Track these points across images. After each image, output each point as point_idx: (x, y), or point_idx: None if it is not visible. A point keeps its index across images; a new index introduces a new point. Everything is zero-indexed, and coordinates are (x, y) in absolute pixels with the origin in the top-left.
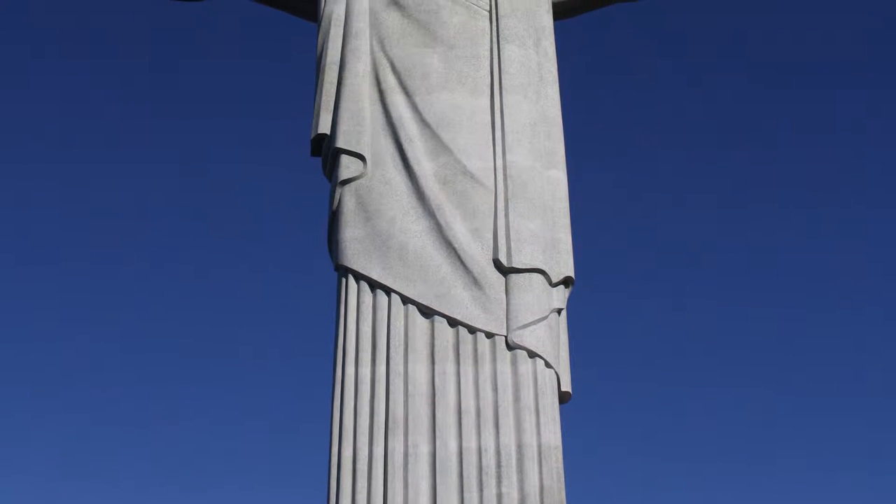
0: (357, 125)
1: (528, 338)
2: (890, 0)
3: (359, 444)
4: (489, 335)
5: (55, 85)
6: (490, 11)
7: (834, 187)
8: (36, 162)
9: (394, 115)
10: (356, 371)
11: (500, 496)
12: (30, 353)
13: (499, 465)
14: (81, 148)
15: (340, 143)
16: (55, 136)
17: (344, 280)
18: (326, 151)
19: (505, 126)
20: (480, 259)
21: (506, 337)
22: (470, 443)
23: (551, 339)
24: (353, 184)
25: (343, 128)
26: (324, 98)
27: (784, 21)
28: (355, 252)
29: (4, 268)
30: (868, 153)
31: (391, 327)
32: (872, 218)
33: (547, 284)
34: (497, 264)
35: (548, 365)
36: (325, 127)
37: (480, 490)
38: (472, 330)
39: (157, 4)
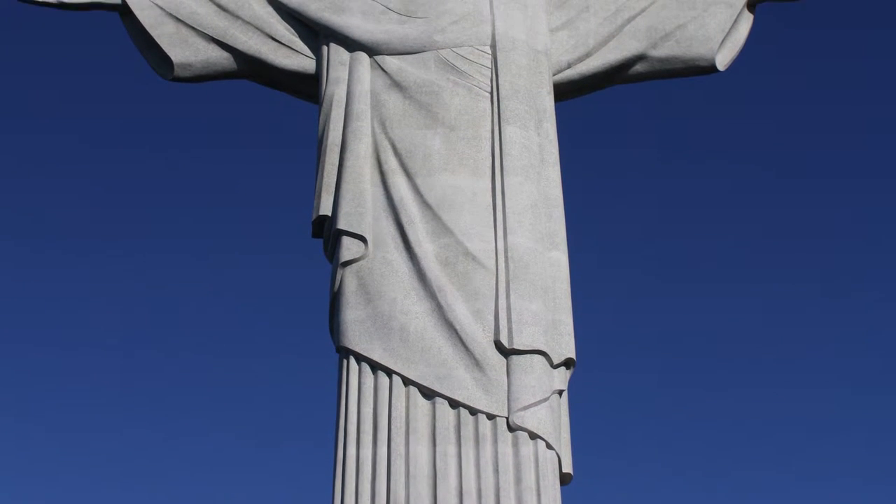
0: (358, 207)
1: (529, 419)
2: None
3: None
4: (490, 416)
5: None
6: (491, 93)
7: (835, 276)
8: None
9: (395, 196)
10: (357, 452)
11: None
12: None
13: None
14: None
15: (342, 224)
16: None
17: (345, 361)
18: (328, 233)
19: (506, 207)
20: (482, 340)
21: (507, 418)
22: None
23: (552, 420)
24: (354, 265)
25: (344, 209)
26: (325, 179)
27: (787, 108)
28: (356, 333)
29: None
30: (867, 251)
31: (392, 409)
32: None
33: (548, 366)
34: (498, 345)
35: (549, 446)
36: (326, 208)
37: None
38: (474, 411)
39: (156, 84)
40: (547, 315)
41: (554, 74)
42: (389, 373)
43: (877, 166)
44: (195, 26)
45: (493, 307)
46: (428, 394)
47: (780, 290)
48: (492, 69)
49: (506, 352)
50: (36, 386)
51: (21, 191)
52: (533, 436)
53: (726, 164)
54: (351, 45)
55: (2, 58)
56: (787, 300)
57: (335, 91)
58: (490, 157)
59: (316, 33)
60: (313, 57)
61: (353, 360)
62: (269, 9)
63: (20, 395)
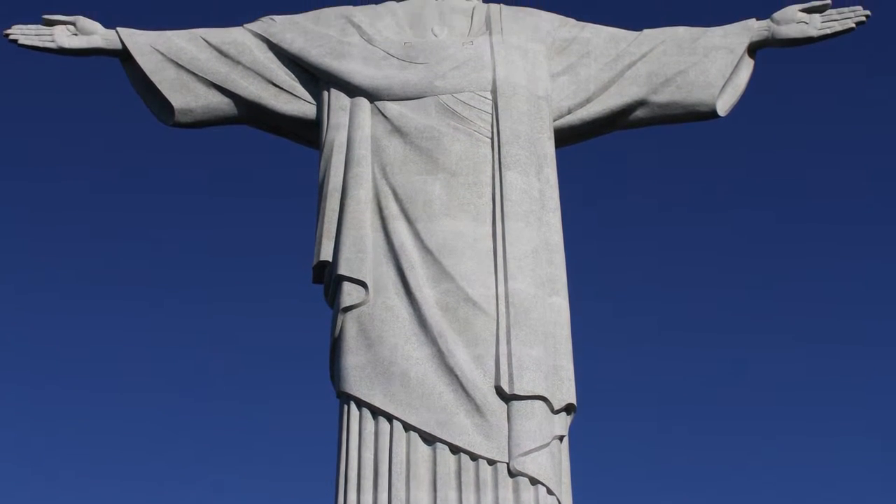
0: (359, 252)
1: (530, 465)
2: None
3: None
4: (491, 462)
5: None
6: (492, 138)
7: (844, 325)
8: None
9: (396, 242)
10: (358, 498)
11: None
12: None
13: None
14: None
15: (342, 270)
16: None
17: (346, 407)
18: (328, 279)
19: (507, 253)
20: (482, 386)
21: (508, 464)
22: None
23: (553, 466)
24: (355, 311)
25: (345, 255)
26: (326, 225)
27: (788, 154)
28: (357, 379)
29: None
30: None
31: (393, 454)
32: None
33: (549, 411)
34: (499, 391)
35: (550, 492)
36: (326, 254)
37: None
38: (475, 457)
39: (155, 130)
40: (548, 360)
41: (555, 120)
42: (390, 418)
43: (882, 214)
44: (196, 72)
45: (493, 353)
46: (429, 439)
47: (782, 340)
48: (492, 115)
49: (506, 397)
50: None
51: (19, 236)
52: (534, 481)
53: (726, 211)
54: (352, 90)
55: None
56: (790, 350)
57: (336, 136)
58: (491, 203)
59: (316, 79)
60: (314, 102)
61: (353, 406)
62: (270, 54)
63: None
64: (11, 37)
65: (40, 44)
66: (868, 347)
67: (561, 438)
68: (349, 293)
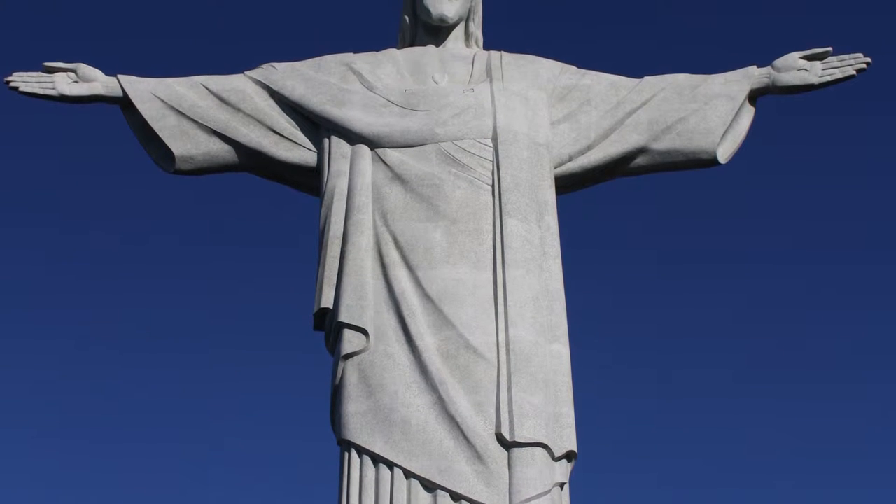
0: (360, 300)
1: None
2: None
3: None
4: None
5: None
6: (493, 186)
7: (841, 386)
8: None
9: (396, 289)
10: None
11: None
12: None
13: None
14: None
15: (343, 317)
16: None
17: (346, 454)
18: (329, 326)
19: (507, 300)
20: (483, 433)
21: None
22: None
23: None
24: (355, 358)
25: (346, 302)
26: (326, 272)
27: (789, 202)
28: (358, 426)
29: None
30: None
31: (394, 501)
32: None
33: (549, 458)
34: (500, 438)
35: None
36: (327, 301)
37: None
38: None
39: (157, 177)
40: (548, 408)
41: (555, 167)
42: (391, 465)
43: (883, 263)
44: (197, 119)
45: (494, 400)
46: (429, 487)
47: (786, 389)
48: (493, 162)
49: (507, 444)
50: None
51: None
52: None
53: (728, 260)
54: (352, 137)
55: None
56: (792, 399)
57: (337, 184)
58: (491, 250)
59: (317, 126)
60: (315, 150)
61: (354, 453)
62: (271, 102)
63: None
64: (12, 84)
65: (41, 91)
66: (870, 403)
67: (562, 486)
68: (350, 340)
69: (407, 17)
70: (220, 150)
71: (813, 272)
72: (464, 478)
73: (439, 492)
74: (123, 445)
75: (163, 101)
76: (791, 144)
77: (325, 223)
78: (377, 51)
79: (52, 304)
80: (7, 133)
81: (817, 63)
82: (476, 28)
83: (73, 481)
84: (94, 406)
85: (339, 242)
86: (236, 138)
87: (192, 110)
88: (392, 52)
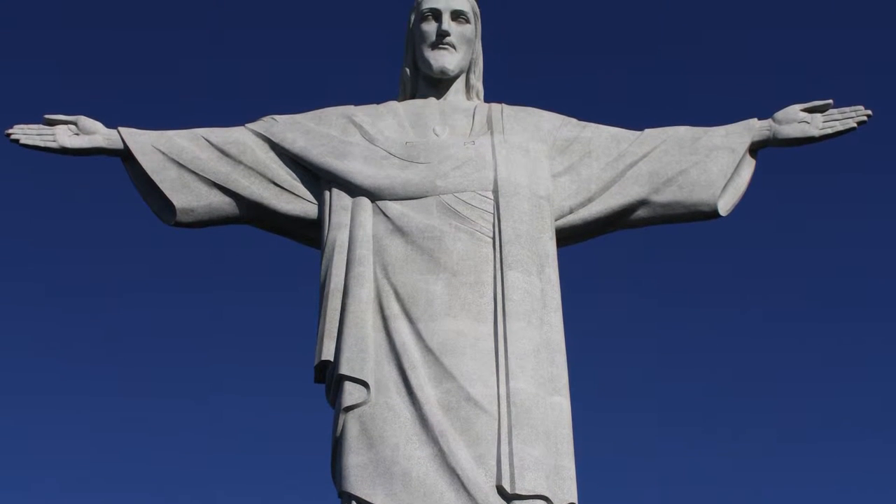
0: (361, 352)
1: None
2: None
3: None
4: None
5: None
6: (493, 238)
7: (844, 441)
8: None
9: (397, 341)
10: None
11: None
12: None
13: None
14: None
15: (344, 370)
16: None
17: None
18: (330, 378)
19: (508, 353)
20: (483, 486)
21: None
22: None
23: None
24: (356, 410)
25: (346, 355)
26: (327, 325)
27: (795, 253)
28: (359, 479)
29: None
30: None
31: None
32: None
33: None
34: (500, 491)
35: None
36: (328, 354)
37: None
38: None
39: (157, 229)
40: (549, 460)
41: (556, 219)
42: None
43: (879, 317)
44: (197, 171)
45: (495, 452)
46: None
47: (786, 448)
48: (494, 214)
49: (508, 497)
50: None
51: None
52: None
53: (729, 310)
54: (353, 189)
55: (4, 202)
56: (792, 456)
57: (337, 236)
58: (492, 303)
59: (318, 178)
60: (315, 202)
61: None
62: (272, 154)
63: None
64: (13, 136)
65: (42, 143)
66: (874, 459)
67: None
68: (351, 393)
69: (408, 70)
70: (220, 203)
71: (812, 323)
72: None
73: None
74: (122, 496)
75: (164, 153)
76: (791, 197)
77: (325, 275)
78: (378, 103)
79: (56, 365)
80: (7, 184)
81: (818, 115)
82: (477, 80)
83: None
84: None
85: (339, 295)
86: (237, 191)
87: (193, 163)
88: (393, 105)
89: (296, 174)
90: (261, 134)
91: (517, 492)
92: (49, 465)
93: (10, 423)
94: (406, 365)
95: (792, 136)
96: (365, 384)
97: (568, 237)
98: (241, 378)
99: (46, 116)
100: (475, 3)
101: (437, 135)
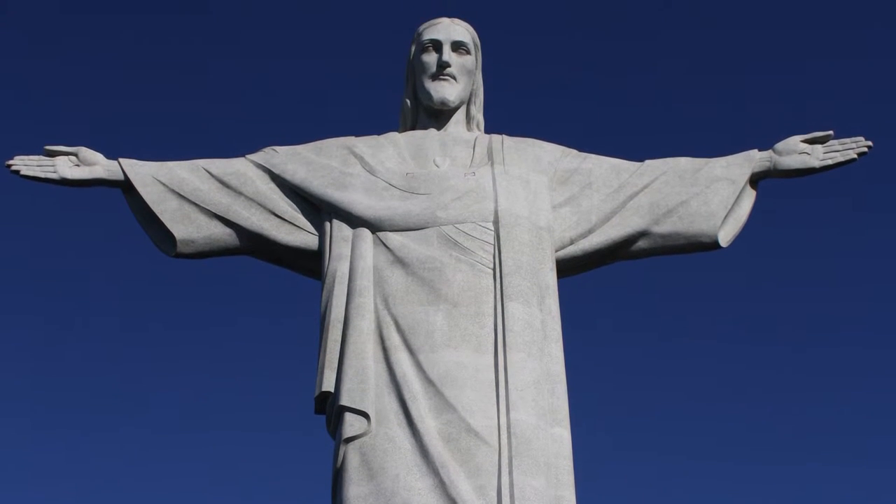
0: (361, 383)
1: None
2: None
3: None
4: None
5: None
6: (494, 269)
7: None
8: None
9: (398, 372)
10: None
11: None
12: None
13: None
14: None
15: (345, 401)
16: None
17: None
18: (330, 409)
19: (509, 384)
20: None
21: None
22: None
23: None
24: (357, 441)
25: (347, 386)
26: (328, 356)
27: (796, 286)
28: None
29: None
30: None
31: None
32: None
33: None
34: None
35: None
36: (329, 385)
37: None
38: None
39: (156, 262)
40: (549, 491)
41: (557, 250)
42: None
43: (881, 351)
44: (198, 203)
45: (495, 483)
46: None
47: (787, 472)
48: (494, 245)
49: None
50: None
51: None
52: None
53: (729, 342)
54: (354, 221)
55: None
56: (795, 482)
57: (338, 267)
58: (493, 334)
59: (319, 209)
60: (316, 233)
61: None
62: (272, 185)
63: None
64: (13, 168)
65: (42, 175)
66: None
67: None
68: (351, 424)
69: (408, 101)
70: (221, 234)
71: (812, 354)
72: None
73: None
74: None
75: (164, 184)
76: (793, 228)
77: (326, 306)
78: (378, 134)
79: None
80: (8, 214)
81: (818, 146)
82: (477, 111)
83: None
84: None
85: (340, 326)
86: (238, 222)
87: (194, 194)
88: (393, 136)
89: (296, 205)
90: (261, 165)
91: None
92: None
93: None
94: (407, 396)
95: (792, 168)
96: (366, 415)
97: (568, 268)
98: (239, 408)
99: (47, 147)
100: (476, 35)
101: (437, 166)
